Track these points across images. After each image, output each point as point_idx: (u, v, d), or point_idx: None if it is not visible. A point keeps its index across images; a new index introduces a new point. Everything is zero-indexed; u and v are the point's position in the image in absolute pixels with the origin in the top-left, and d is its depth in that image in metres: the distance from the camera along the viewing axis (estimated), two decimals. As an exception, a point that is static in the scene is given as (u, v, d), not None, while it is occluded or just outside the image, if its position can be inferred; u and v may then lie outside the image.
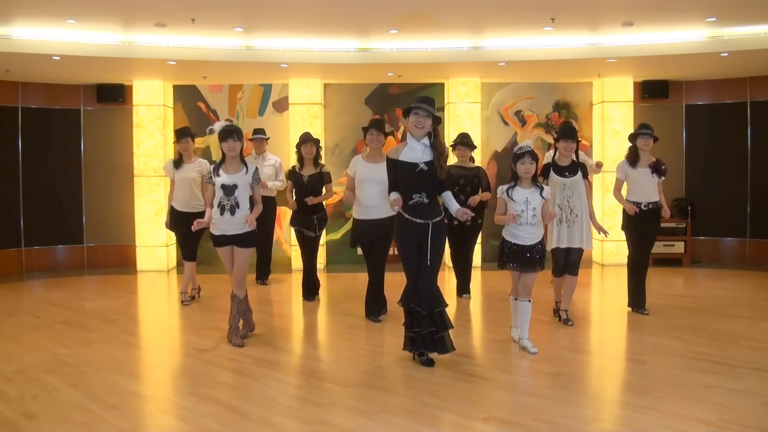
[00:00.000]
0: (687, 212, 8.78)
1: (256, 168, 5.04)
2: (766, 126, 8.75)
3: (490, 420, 3.43)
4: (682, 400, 3.67)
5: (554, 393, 3.84)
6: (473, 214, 4.79)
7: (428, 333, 4.28)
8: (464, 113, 8.78)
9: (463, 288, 6.65)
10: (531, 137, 8.96)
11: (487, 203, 6.40)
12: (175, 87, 8.99)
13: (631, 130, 6.66)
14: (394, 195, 4.33)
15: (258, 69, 8.11)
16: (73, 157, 9.01)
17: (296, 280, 7.49)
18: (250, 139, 7.43)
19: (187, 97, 9.03)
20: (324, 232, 6.84)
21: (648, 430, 3.27)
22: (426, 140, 4.35)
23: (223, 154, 4.95)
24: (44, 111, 8.83)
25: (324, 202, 6.58)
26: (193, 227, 5.16)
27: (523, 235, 4.63)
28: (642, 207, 5.64)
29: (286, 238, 8.89)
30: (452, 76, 8.73)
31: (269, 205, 7.05)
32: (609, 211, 8.75)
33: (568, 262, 5.37)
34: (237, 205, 4.88)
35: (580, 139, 5.73)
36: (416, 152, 4.31)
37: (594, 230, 5.43)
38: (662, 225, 6.02)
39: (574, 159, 5.40)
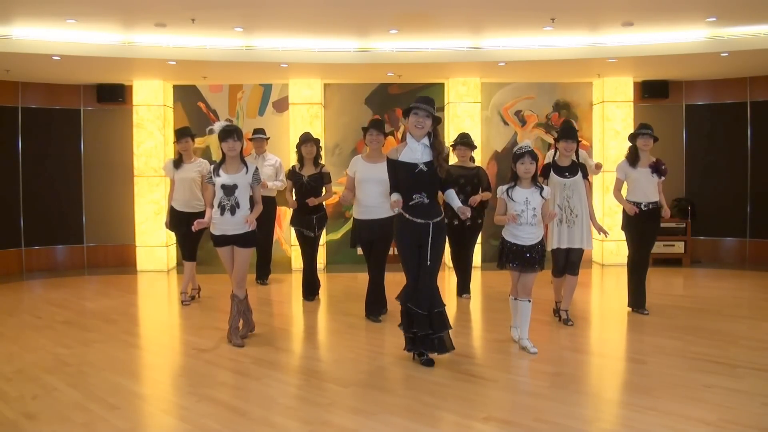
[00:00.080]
0: (687, 212, 8.78)
1: (256, 168, 5.04)
2: (766, 126, 8.75)
3: (490, 420, 3.43)
4: (682, 400, 3.67)
5: (554, 393, 3.84)
6: (471, 213, 4.80)
7: (425, 335, 4.28)
8: (464, 113, 8.78)
9: (463, 288, 6.65)
10: (531, 137, 8.96)
11: (487, 203, 6.40)
12: (175, 87, 8.99)
13: (631, 130, 6.65)
14: (395, 197, 4.34)
15: (258, 69, 8.11)
16: (73, 157, 9.01)
17: (296, 280, 7.49)
18: (250, 139, 7.43)
19: (187, 97, 9.03)
20: (324, 232, 6.84)
21: (648, 430, 3.27)
22: (426, 140, 4.34)
23: (223, 154, 4.95)
24: (44, 111, 8.83)
25: (324, 202, 6.59)
26: (193, 227, 5.17)
27: (523, 235, 4.63)
28: (642, 207, 5.64)
29: (286, 238, 8.89)
30: (452, 76, 8.73)
31: (269, 205, 7.04)
32: (609, 211, 8.75)
33: (569, 262, 5.37)
34: (237, 205, 4.88)
35: (580, 139, 5.74)
36: (416, 152, 4.31)
37: (594, 230, 5.43)
38: (662, 225, 6.02)
39: (575, 159, 5.41)
